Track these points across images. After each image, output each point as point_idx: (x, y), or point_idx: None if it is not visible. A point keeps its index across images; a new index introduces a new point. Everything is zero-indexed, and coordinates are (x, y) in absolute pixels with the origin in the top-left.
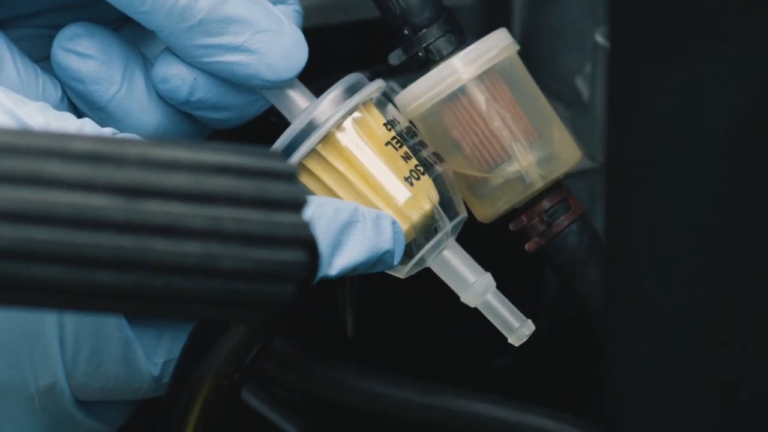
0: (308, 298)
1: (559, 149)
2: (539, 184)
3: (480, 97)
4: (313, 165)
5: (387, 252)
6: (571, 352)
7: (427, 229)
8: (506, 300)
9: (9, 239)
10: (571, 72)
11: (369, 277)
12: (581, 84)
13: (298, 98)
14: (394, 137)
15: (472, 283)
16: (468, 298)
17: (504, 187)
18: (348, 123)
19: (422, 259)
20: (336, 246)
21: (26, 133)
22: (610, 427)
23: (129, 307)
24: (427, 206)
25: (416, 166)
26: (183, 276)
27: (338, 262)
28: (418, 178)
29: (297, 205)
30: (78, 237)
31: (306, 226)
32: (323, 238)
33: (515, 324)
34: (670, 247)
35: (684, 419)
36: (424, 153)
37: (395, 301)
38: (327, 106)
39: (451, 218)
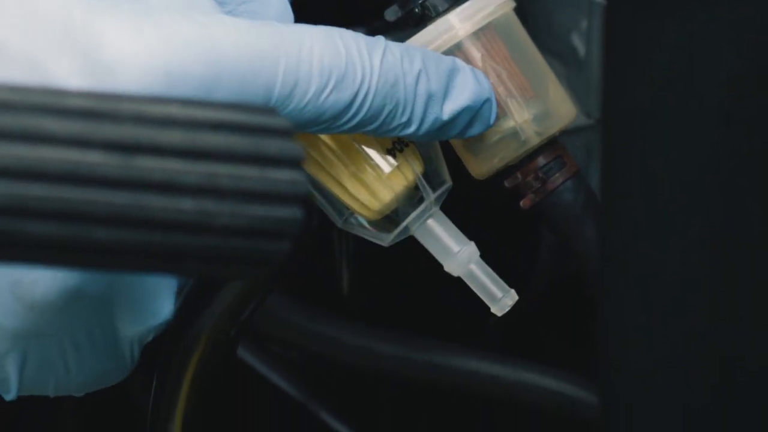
0: (305, 254)
1: (554, 106)
2: (534, 141)
3: (476, 53)
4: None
5: (487, 101)
6: (569, 309)
7: (410, 200)
8: (490, 270)
9: (4, 196)
10: (567, 29)
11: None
12: (577, 41)
13: None
14: None
15: (456, 253)
16: (451, 268)
17: (499, 144)
18: None
19: (406, 228)
20: (445, 92)
21: (20, 88)
22: (605, 391)
23: (124, 263)
24: (410, 177)
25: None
26: (178, 232)
27: (448, 106)
28: (401, 150)
29: (292, 161)
30: (73, 193)
31: (302, 183)
32: (436, 84)
33: (498, 294)
34: (666, 204)
35: (679, 384)
36: None
37: (391, 258)
38: None
39: (435, 188)
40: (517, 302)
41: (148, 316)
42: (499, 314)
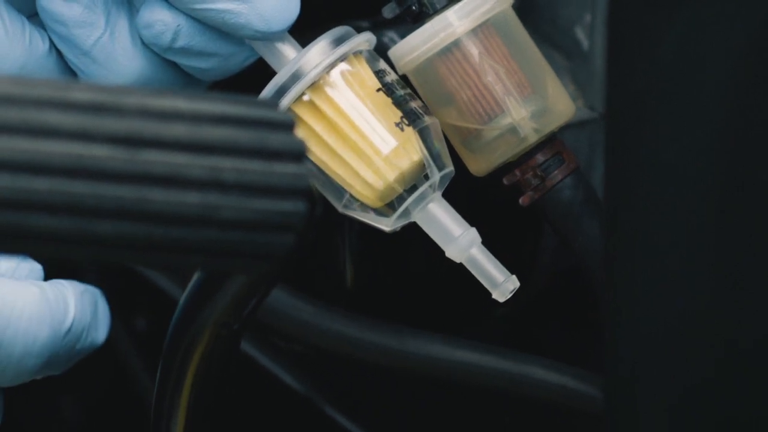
0: (309, 249)
1: (553, 103)
2: (533, 138)
3: (474, 50)
4: (302, 111)
5: None
6: (571, 303)
7: (415, 179)
8: (491, 255)
9: (9, 189)
10: (571, 22)
11: (369, 229)
12: (581, 34)
13: (288, 50)
14: (383, 85)
15: (457, 237)
16: (453, 253)
17: (498, 141)
18: (337, 70)
19: (407, 212)
20: None
21: (25, 82)
22: (610, 377)
23: (128, 257)
24: (415, 156)
25: (402, 117)
26: (183, 226)
27: None
28: (402, 130)
29: (296, 155)
30: (78, 187)
31: (305, 177)
32: None
33: (500, 278)
34: (671, 194)
35: (685, 371)
36: (412, 104)
37: (395, 252)
38: (314, 55)
39: (440, 169)
40: (520, 296)
41: None
42: (501, 300)
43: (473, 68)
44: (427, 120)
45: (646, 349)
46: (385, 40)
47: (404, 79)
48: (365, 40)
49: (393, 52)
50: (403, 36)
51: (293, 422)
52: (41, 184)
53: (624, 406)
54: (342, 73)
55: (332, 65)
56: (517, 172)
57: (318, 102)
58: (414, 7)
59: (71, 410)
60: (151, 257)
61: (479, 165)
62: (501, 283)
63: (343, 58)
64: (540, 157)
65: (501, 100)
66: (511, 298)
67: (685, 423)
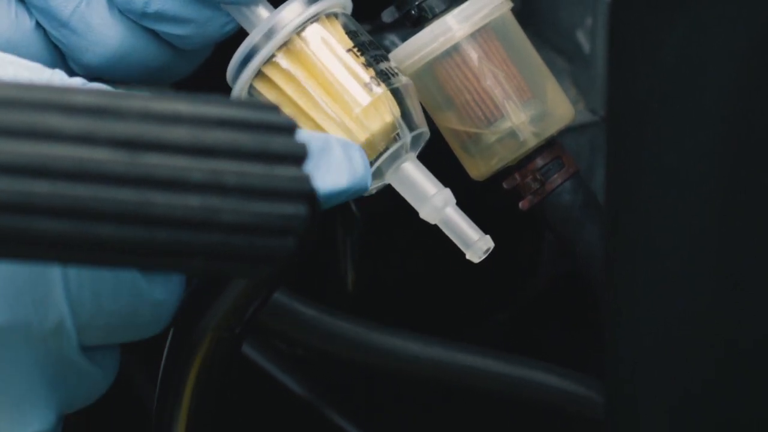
0: (310, 252)
1: (552, 107)
2: (532, 142)
3: (473, 55)
4: (272, 73)
5: (362, 178)
6: (572, 303)
7: (388, 140)
8: (465, 216)
9: (10, 193)
10: (572, 25)
11: (370, 232)
12: (582, 38)
13: (263, 13)
14: (355, 45)
15: (431, 196)
16: (427, 212)
17: (497, 145)
18: (309, 31)
19: (380, 172)
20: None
21: (27, 86)
22: (610, 378)
23: (130, 260)
24: (388, 117)
25: (373, 77)
26: (184, 229)
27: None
28: (373, 90)
29: (297, 158)
30: (79, 190)
31: (307, 180)
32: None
33: (474, 237)
34: (673, 197)
35: (686, 371)
36: (385, 65)
37: (396, 255)
38: (287, 15)
39: (412, 129)
40: (521, 300)
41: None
42: (475, 260)
43: (472, 72)
44: (400, 80)
45: (647, 350)
46: (387, 42)
47: None
48: (339, 2)
49: (393, 56)
50: (404, 39)
51: (295, 426)
52: (42, 188)
53: (624, 407)
54: (314, 34)
55: (304, 25)
56: (517, 176)
57: (289, 63)
58: (413, 12)
59: (72, 415)
60: (152, 261)
61: (479, 169)
62: (475, 241)
63: (315, 19)
64: (539, 161)
65: (500, 104)
66: (511, 300)
67: (686, 424)
